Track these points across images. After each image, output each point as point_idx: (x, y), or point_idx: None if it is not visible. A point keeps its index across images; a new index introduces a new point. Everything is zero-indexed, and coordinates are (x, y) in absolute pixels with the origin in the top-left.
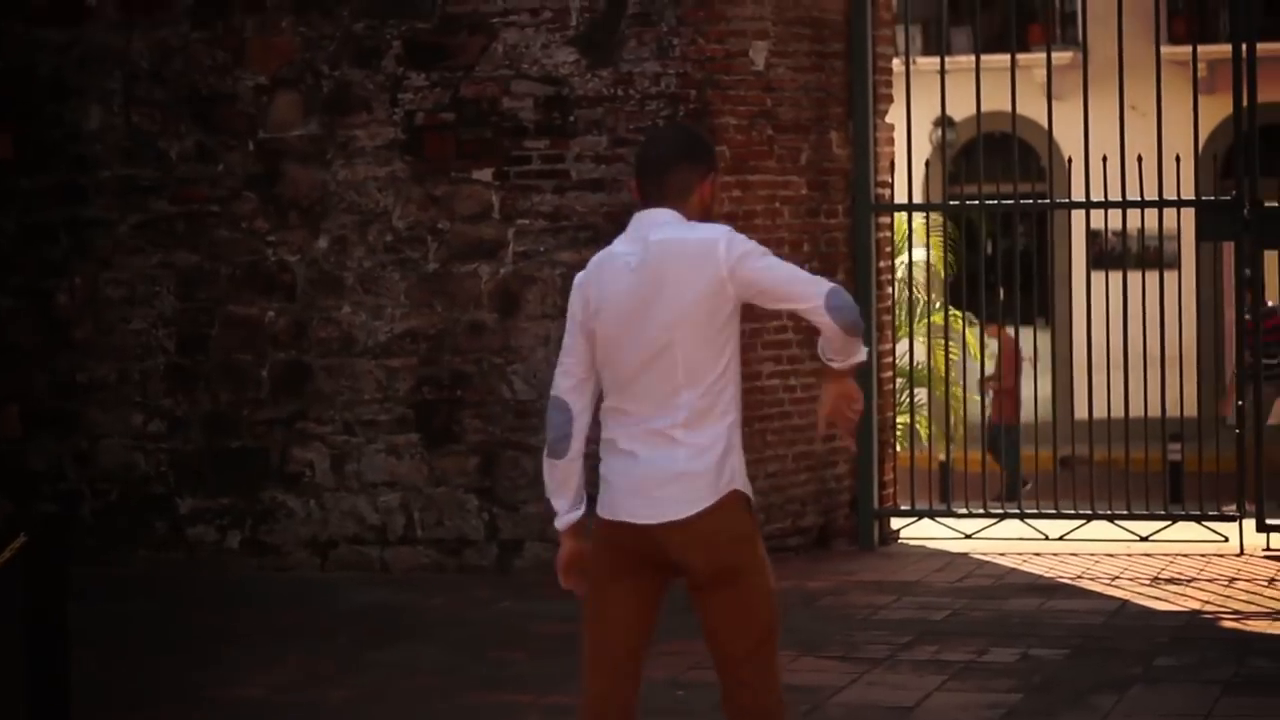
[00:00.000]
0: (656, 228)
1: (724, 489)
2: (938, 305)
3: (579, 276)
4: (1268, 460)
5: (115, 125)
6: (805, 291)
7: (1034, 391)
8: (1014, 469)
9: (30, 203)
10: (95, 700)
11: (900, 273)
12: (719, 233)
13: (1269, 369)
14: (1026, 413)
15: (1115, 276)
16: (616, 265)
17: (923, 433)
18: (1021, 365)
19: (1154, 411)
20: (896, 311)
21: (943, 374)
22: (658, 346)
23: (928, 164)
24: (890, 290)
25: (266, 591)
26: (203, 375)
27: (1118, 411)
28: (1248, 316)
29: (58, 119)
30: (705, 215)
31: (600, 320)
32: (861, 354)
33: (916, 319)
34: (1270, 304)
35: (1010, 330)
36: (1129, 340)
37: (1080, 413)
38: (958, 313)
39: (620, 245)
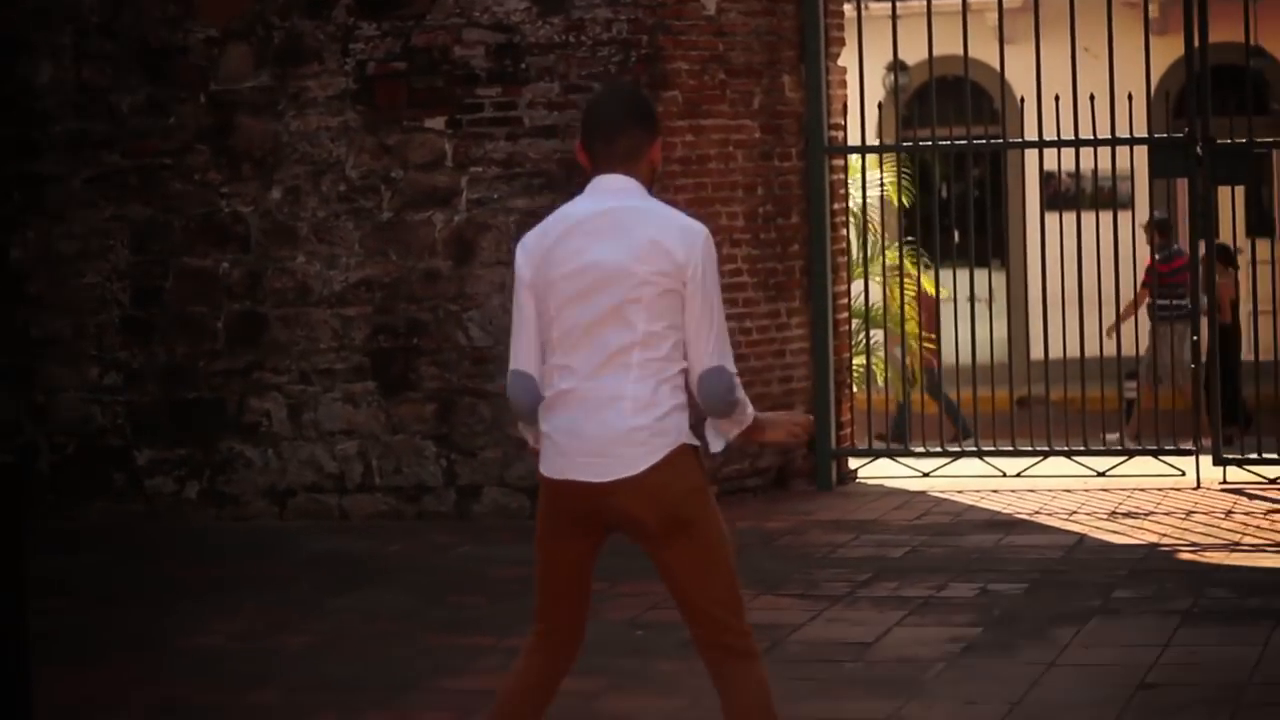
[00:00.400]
0: (621, 194)
1: (673, 443)
2: (892, 245)
3: (527, 238)
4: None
5: (66, 80)
6: (699, 351)
7: (989, 332)
8: (951, 409)
9: None
10: (55, 651)
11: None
12: (702, 232)
13: (1174, 309)
14: (982, 354)
15: (1069, 218)
16: (576, 226)
17: (879, 374)
18: (938, 308)
19: (1109, 350)
20: (851, 252)
21: (898, 313)
22: (611, 307)
23: (880, 107)
24: (845, 232)
25: (225, 541)
26: (158, 327)
27: (1073, 351)
28: (1156, 257)
29: (9, 73)
30: (653, 178)
31: (553, 278)
32: (744, 419)
33: (871, 258)
34: (1176, 246)
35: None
36: (1084, 280)
37: (1036, 353)
38: (911, 253)
39: (579, 207)
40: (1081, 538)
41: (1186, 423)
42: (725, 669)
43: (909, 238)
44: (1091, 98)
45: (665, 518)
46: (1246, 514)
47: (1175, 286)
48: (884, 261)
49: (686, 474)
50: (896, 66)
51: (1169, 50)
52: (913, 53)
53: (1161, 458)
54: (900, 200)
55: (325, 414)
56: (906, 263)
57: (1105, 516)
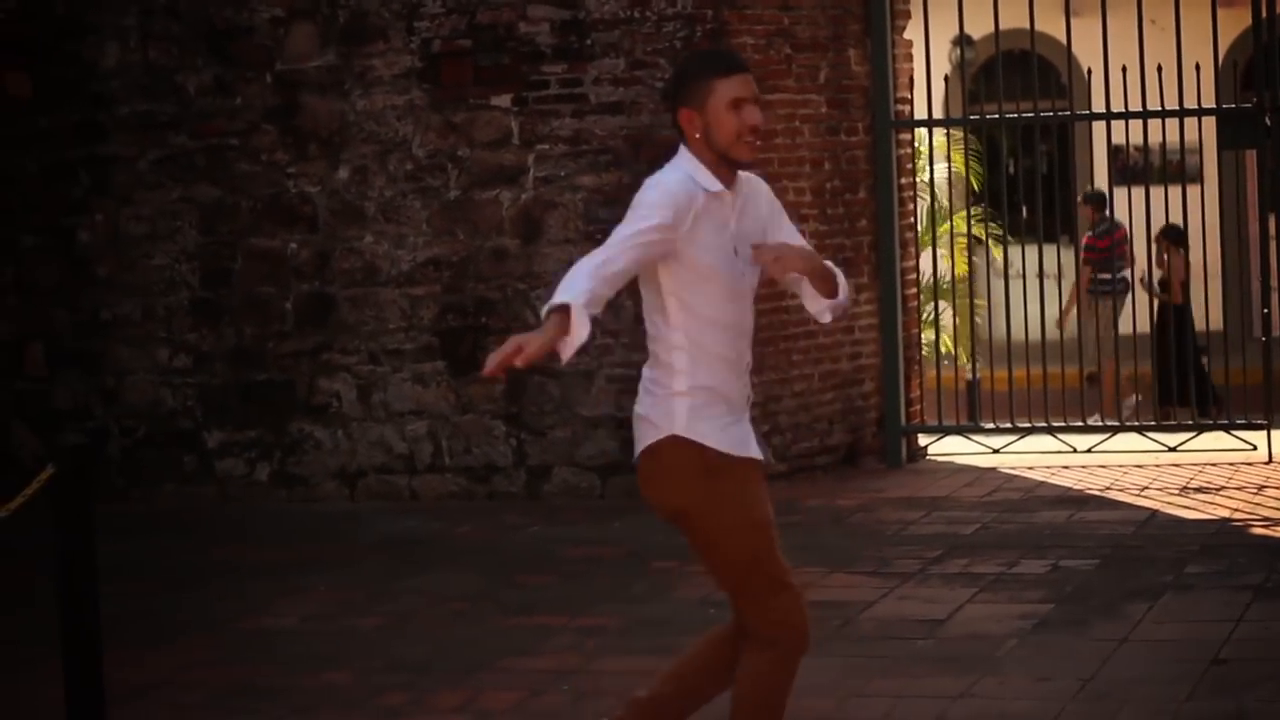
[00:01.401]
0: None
1: (660, 434)
2: (960, 215)
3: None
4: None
5: (132, 61)
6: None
7: (1059, 308)
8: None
9: (50, 141)
10: (127, 633)
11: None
12: (647, 183)
13: (1109, 284)
14: (1052, 330)
15: (1139, 191)
16: None
17: (946, 347)
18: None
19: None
20: (919, 227)
21: (966, 287)
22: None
23: (946, 81)
24: (912, 207)
25: (296, 523)
26: (227, 309)
27: (1143, 326)
28: (1091, 233)
29: (75, 57)
30: (710, 144)
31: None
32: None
33: (939, 226)
34: (1115, 221)
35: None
36: (1151, 253)
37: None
38: (980, 221)
39: None
40: (1153, 513)
41: (1258, 397)
42: (740, 652)
43: (978, 211)
44: (1159, 69)
45: (660, 505)
46: None
47: (1112, 261)
48: (952, 229)
49: (673, 465)
50: (962, 40)
51: (1236, 21)
52: (978, 26)
53: (1233, 432)
54: (968, 175)
55: (394, 394)
56: (976, 232)
57: (1177, 491)
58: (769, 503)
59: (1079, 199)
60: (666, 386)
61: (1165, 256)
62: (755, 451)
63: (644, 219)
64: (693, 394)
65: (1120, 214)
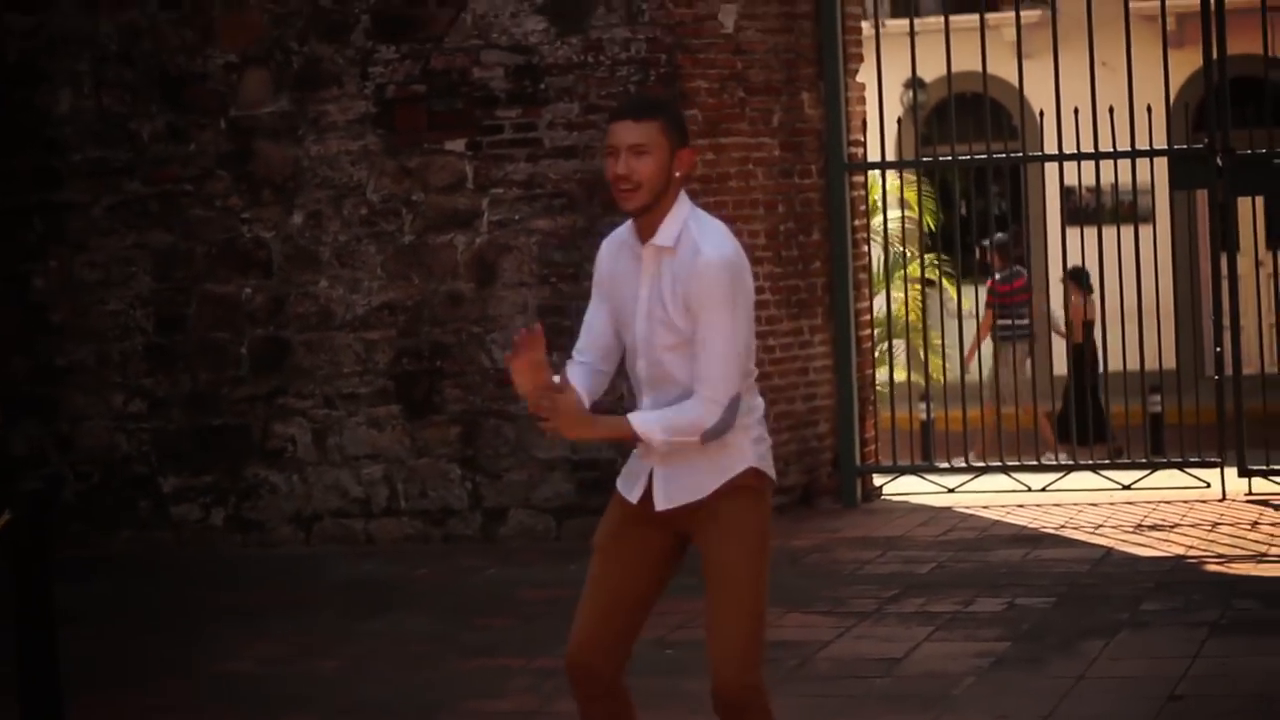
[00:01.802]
0: None
1: None
2: (914, 256)
3: (736, 244)
4: (1247, 409)
5: (86, 108)
6: None
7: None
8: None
9: (3, 188)
10: (85, 678)
11: (877, 232)
12: None
13: (1015, 329)
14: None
15: (1090, 232)
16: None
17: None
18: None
19: (1133, 365)
20: (873, 269)
21: (921, 327)
22: None
23: (899, 123)
24: (866, 248)
25: (252, 567)
26: (182, 354)
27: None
28: (996, 278)
29: (27, 103)
30: None
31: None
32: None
33: (893, 273)
34: (1016, 268)
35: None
36: (1105, 295)
37: (1059, 368)
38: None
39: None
40: (1108, 551)
41: (1210, 436)
42: None
43: (931, 257)
44: (1111, 111)
45: None
46: (1273, 524)
47: (1015, 307)
48: (905, 273)
49: None
50: (915, 83)
51: (1187, 63)
52: (931, 69)
53: (1187, 470)
54: (921, 216)
55: (350, 438)
56: (930, 274)
57: (1132, 529)
58: (610, 552)
59: (985, 244)
60: None
61: (1069, 297)
62: (629, 494)
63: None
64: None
65: (1072, 254)
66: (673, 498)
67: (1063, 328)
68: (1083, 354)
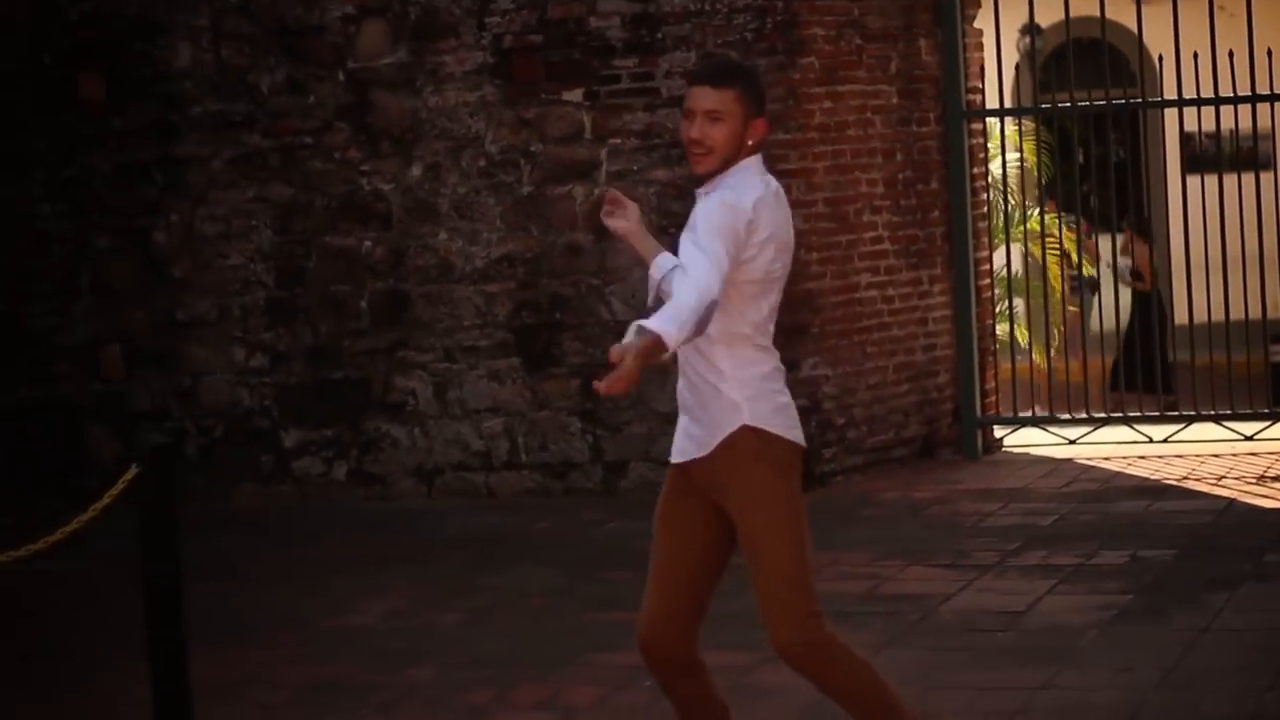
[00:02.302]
0: None
1: None
2: (1034, 211)
3: (755, 200)
4: None
5: (205, 61)
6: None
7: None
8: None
9: (123, 142)
10: (210, 631)
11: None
12: None
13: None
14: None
15: (1210, 179)
16: (773, 200)
17: (1022, 339)
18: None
19: (1254, 314)
20: (993, 218)
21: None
22: None
23: (1017, 69)
24: (985, 196)
25: (373, 521)
26: (302, 308)
27: (1218, 315)
28: None
29: (147, 57)
30: None
31: (771, 251)
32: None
33: (1014, 224)
34: None
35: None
36: (1226, 243)
37: (1180, 318)
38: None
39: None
40: (1231, 502)
41: None
42: None
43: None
44: (1231, 55)
45: None
46: None
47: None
48: (1025, 228)
49: None
50: (1033, 29)
51: None
52: (1049, 14)
53: None
54: (1040, 164)
55: (470, 391)
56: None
57: (1254, 480)
58: (663, 523)
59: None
60: None
61: (1134, 246)
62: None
63: None
64: None
65: (1192, 201)
66: (685, 451)
67: (1129, 277)
68: (1149, 302)
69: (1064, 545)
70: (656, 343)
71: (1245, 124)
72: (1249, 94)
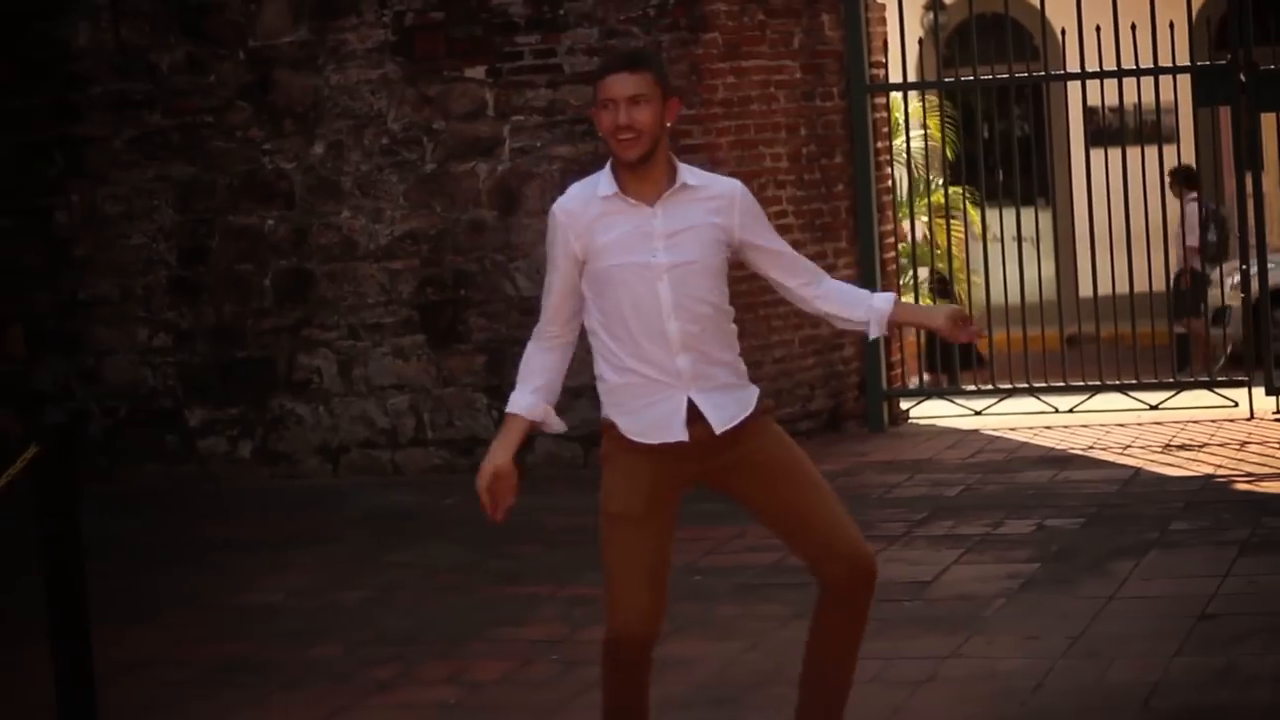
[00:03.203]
0: None
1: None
2: (938, 185)
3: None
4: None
5: (105, 40)
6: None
7: (1037, 271)
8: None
9: (24, 122)
10: (114, 611)
11: (900, 156)
12: None
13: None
14: (1030, 292)
15: (1114, 153)
16: None
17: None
18: None
19: (1158, 286)
20: (897, 191)
21: (945, 252)
22: None
23: (920, 44)
24: (889, 170)
25: (280, 499)
26: (205, 287)
27: (1122, 287)
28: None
29: (47, 37)
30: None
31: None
32: None
33: (917, 198)
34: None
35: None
36: (1130, 215)
37: (1084, 290)
38: (959, 190)
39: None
40: (1136, 471)
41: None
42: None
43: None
44: (1133, 27)
45: None
46: None
47: None
48: (930, 201)
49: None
50: (936, 3)
51: None
52: None
53: (1214, 389)
54: (944, 138)
55: (375, 369)
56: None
57: (1159, 449)
58: (643, 520)
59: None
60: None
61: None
62: (669, 434)
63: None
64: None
65: (1095, 174)
66: (732, 415)
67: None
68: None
69: (970, 515)
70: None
71: (1148, 97)
72: (1151, 67)
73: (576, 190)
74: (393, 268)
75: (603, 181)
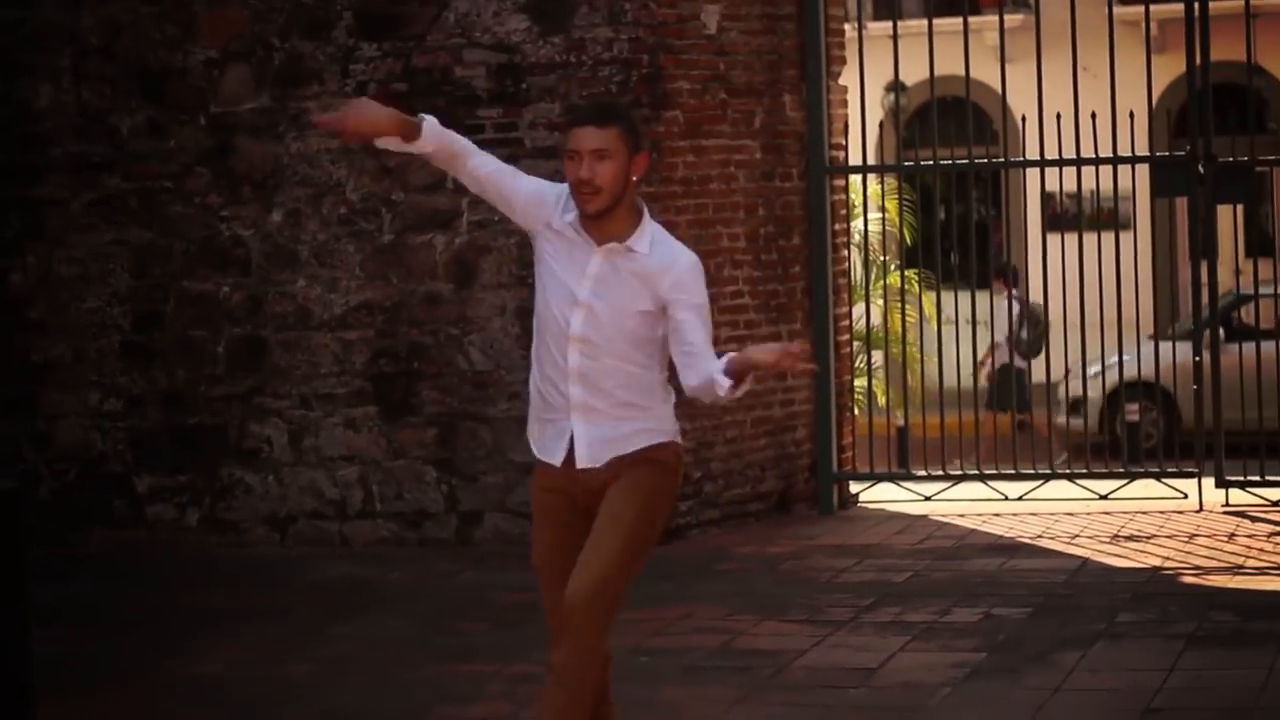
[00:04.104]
0: None
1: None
2: (894, 267)
3: None
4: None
5: (66, 102)
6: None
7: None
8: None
9: None
10: (58, 679)
11: (856, 237)
12: None
13: None
14: (982, 375)
15: (1071, 238)
16: None
17: (880, 397)
18: None
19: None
20: (852, 274)
21: (900, 336)
22: None
23: (881, 126)
24: (846, 253)
25: (227, 569)
26: (159, 352)
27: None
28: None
29: (7, 97)
30: None
31: None
32: None
33: (873, 281)
34: None
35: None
36: (1085, 301)
37: (1038, 376)
38: (914, 275)
39: None
40: (1084, 561)
41: (1188, 446)
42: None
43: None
44: (1093, 116)
45: None
46: (1249, 537)
47: None
48: (885, 284)
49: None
50: (897, 86)
51: (1169, 68)
52: (913, 73)
53: (1164, 480)
54: (902, 223)
55: (326, 439)
56: (909, 282)
57: (1108, 540)
58: (555, 564)
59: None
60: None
61: None
62: (553, 457)
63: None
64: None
65: (1052, 260)
66: (596, 456)
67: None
68: None
69: (918, 602)
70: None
71: (1106, 185)
72: (1110, 155)
73: (565, 194)
74: (347, 338)
75: (572, 207)
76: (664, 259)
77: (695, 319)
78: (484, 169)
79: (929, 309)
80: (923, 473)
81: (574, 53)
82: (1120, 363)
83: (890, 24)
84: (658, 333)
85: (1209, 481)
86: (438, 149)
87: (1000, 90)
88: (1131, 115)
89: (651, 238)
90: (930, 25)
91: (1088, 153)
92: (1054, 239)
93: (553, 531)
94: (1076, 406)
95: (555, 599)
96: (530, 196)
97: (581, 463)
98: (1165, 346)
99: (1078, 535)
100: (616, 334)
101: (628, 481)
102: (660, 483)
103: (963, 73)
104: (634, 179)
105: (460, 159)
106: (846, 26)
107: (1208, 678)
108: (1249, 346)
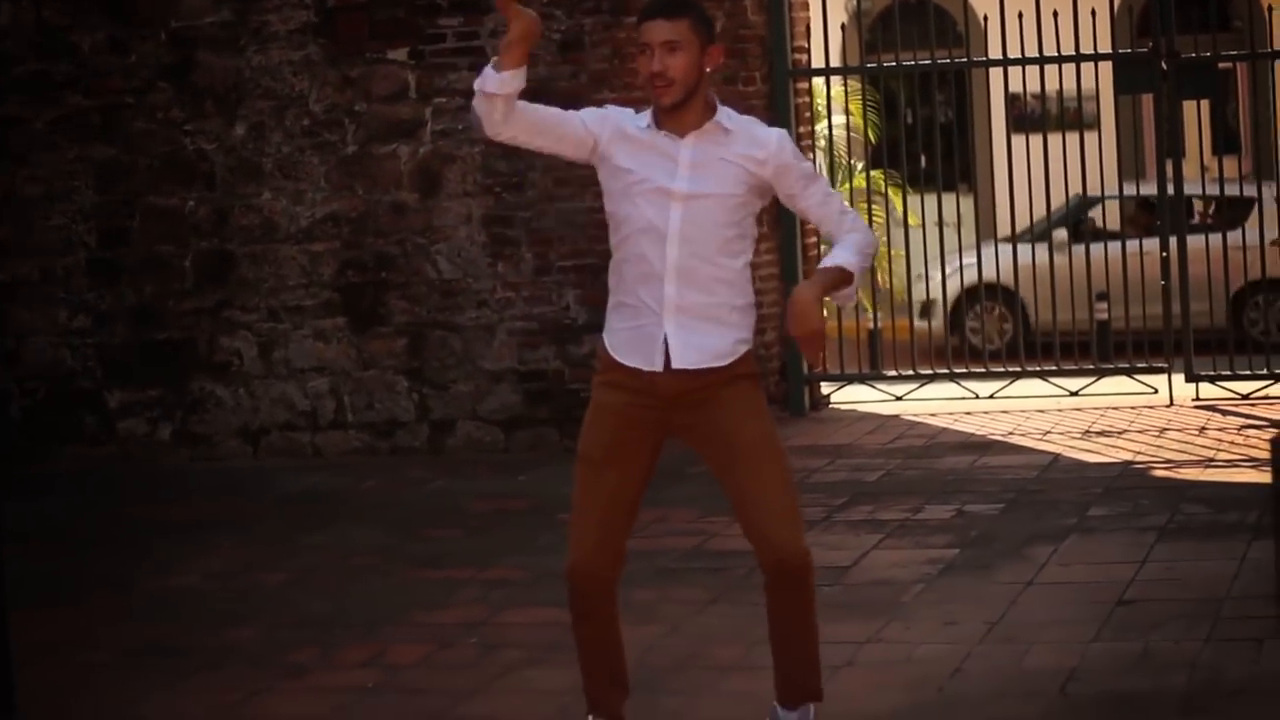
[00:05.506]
0: None
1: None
2: (860, 169)
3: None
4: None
5: (25, 20)
6: None
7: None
8: None
9: None
10: (30, 594)
11: (821, 140)
12: None
13: None
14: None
15: (1036, 139)
16: None
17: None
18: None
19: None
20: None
21: None
22: None
23: (844, 28)
24: (811, 156)
25: (199, 482)
26: (126, 268)
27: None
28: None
29: None
30: None
31: None
32: None
33: (839, 184)
34: None
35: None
36: (1052, 201)
37: (1006, 278)
38: (880, 175)
39: None
40: (1056, 457)
41: (1158, 342)
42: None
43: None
44: (1055, 15)
45: None
46: (1220, 430)
47: None
48: (851, 186)
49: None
50: None
51: None
52: None
53: (1134, 376)
54: (866, 125)
55: (296, 351)
56: (876, 184)
57: (1079, 435)
58: (604, 462)
59: None
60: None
61: None
62: (646, 361)
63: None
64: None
65: (1018, 160)
66: (698, 360)
67: None
68: None
69: (890, 500)
70: (849, 280)
71: (1070, 84)
72: (1073, 53)
73: (629, 112)
74: (313, 250)
75: (645, 116)
76: (758, 134)
77: (819, 194)
78: (540, 108)
79: (897, 207)
80: (893, 373)
81: None
82: (960, 266)
83: None
84: (751, 225)
85: (1179, 376)
86: (517, 90)
87: None
88: (1094, 13)
89: (733, 117)
90: None
91: (1050, 52)
92: (1018, 139)
93: (613, 433)
94: (925, 310)
95: (591, 491)
96: (591, 115)
97: (677, 363)
98: (1018, 249)
99: (1049, 432)
100: (714, 227)
101: (744, 407)
102: (763, 398)
103: None
104: (707, 70)
105: (518, 104)
106: None
107: (1180, 569)
108: (1096, 248)
